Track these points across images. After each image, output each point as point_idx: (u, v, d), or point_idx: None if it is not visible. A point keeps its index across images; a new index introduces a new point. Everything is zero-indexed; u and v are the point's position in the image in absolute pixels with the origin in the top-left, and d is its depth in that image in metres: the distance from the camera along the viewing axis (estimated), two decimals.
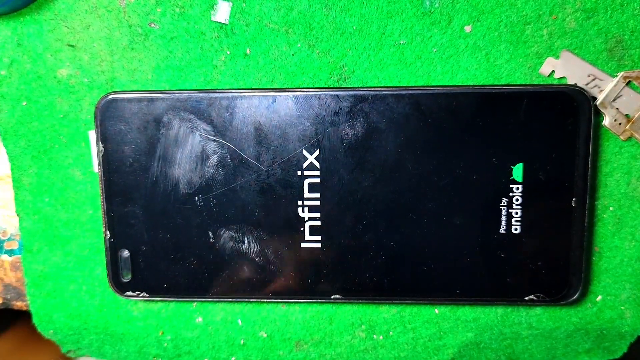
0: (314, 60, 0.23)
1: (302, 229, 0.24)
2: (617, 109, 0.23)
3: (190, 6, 0.23)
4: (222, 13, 0.23)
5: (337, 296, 0.24)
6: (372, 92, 0.22)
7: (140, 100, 0.23)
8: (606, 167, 0.23)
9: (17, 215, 0.26)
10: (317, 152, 0.23)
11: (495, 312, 0.25)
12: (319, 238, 0.24)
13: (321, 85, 0.23)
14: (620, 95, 0.22)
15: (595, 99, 0.22)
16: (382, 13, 0.23)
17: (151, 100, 0.23)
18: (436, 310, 0.25)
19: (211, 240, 0.24)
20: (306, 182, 0.23)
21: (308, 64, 0.23)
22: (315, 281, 0.24)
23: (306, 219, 0.24)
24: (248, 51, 0.23)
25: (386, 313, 0.25)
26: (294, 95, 0.23)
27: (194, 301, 0.26)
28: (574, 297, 0.23)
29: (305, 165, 0.23)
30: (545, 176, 0.22)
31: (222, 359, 0.27)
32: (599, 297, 0.24)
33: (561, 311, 0.25)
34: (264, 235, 0.24)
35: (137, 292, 0.25)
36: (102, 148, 0.23)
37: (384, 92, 0.22)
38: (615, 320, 0.25)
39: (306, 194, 0.23)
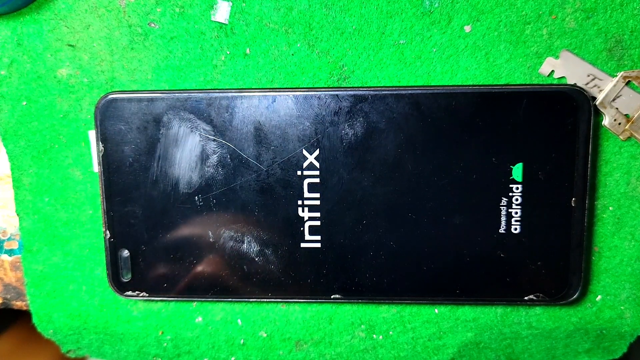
0: (313, 60, 0.23)
1: (301, 228, 0.24)
2: (617, 108, 0.23)
3: (190, 6, 0.23)
4: (221, 13, 0.23)
5: (337, 296, 0.24)
6: (371, 92, 0.22)
7: (140, 100, 0.23)
8: (606, 167, 0.23)
9: (17, 215, 0.26)
10: (316, 152, 0.23)
11: (495, 312, 0.25)
12: (318, 238, 0.24)
13: (321, 85, 0.23)
14: (620, 95, 0.22)
15: (594, 98, 0.22)
16: (381, 13, 0.23)
17: (151, 100, 0.23)
18: (436, 310, 0.25)
19: (211, 240, 0.24)
20: (306, 182, 0.23)
21: (308, 64, 0.23)
22: (315, 281, 0.24)
23: (306, 218, 0.24)
24: (248, 51, 0.23)
25: (386, 313, 0.25)
26: (293, 95, 0.23)
27: (194, 301, 0.26)
28: (574, 297, 0.23)
29: (305, 165, 0.23)
30: (544, 176, 0.22)
31: (222, 358, 0.27)
32: (599, 297, 0.24)
33: (561, 311, 0.25)
34: (263, 235, 0.24)
35: (137, 292, 0.25)
36: (102, 148, 0.23)
37: (383, 92, 0.22)
38: (615, 320, 0.25)
39: (306, 194, 0.23)
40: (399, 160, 0.23)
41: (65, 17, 0.24)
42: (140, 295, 0.25)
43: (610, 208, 0.24)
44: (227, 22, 0.23)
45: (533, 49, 0.22)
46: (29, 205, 0.25)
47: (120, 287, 0.25)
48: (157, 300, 0.26)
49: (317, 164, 0.23)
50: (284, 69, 0.23)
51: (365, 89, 0.23)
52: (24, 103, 0.24)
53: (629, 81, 0.22)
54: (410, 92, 0.22)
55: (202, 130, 0.23)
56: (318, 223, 0.24)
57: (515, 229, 0.23)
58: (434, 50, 0.23)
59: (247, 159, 0.23)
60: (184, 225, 0.24)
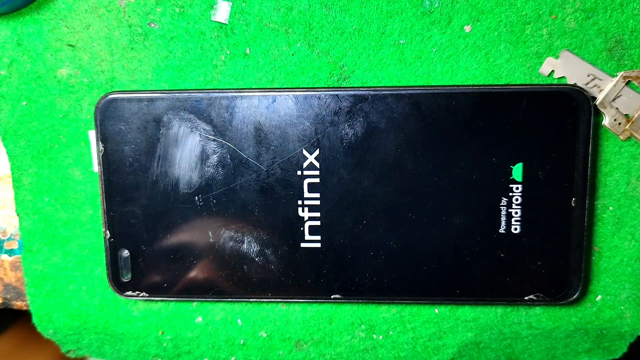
0: (313, 60, 0.23)
1: (301, 228, 0.24)
2: (617, 108, 0.23)
3: (190, 6, 0.23)
4: (222, 13, 0.23)
5: (337, 296, 0.24)
6: (371, 92, 0.22)
7: (140, 100, 0.23)
8: (606, 167, 0.23)
9: (17, 215, 0.26)
10: (316, 152, 0.23)
11: (495, 312, 0.25)
12: (318, 238, 0.24)
13: (321, 85, 0.23)
14: (620, 95, 0.22)
15: (594, 98, 0.22)
16: (381, 13, 0.23)
17: (151, 100, 0.23)
18: (436, 310, 0.25)
19: (211, 240, 0.24)
20: (306, 182, 0.23)
21: (308, 64, 0.23)
22: (315, 281, 0.24)
23: (306, 218, 0.24)
24: (248, 51, 0.23)
25: (386, 313, 0.25)
26: (293, 95, 0.23)
27: (194, 301, 0.26)
28: (574, 297, 0.23)
29: (305, 165, 0.23)
30: (544, 176, 0.22)
31: (222, 358, 0.27)
32: (599, 297, 0.24)
33: (561, 311, 0.25)
34: (263, 235, 0.24)
35: (137, 292, 0.25)
36: (102, 148, 0.23)
37: (383, 92, 0.22)
38: (615, 320, 0.25)
39: (306, 194, 0.23)
40: (399, 160, 0.23)
41: (65, 17, 0.24)
42: (140, 295, 0.25)
43: (610, 208, 0.24)
44: (227, 22, 0.23)
45: (533, 49, 0.22)
46: (29, 205, 0.25)
47: (120, 287, 0.25)
48: (157, 300, 0.26)
49: (317, 164, 0.23)
50: (284, 69, 0.23)
51: (365, 89, 0.23)
52: (24, 103, 0.24)
53: (629, 81, 0.22)
54: (410, 92, 0.22)
55: (202, 130, 0.23)
56: (318, 223, 0.24)
57: (515, 229, 0.23)
58: (434, 50, 0.23)
59: (247, 159, 0.23)
60: (184, 225, 0.24)
